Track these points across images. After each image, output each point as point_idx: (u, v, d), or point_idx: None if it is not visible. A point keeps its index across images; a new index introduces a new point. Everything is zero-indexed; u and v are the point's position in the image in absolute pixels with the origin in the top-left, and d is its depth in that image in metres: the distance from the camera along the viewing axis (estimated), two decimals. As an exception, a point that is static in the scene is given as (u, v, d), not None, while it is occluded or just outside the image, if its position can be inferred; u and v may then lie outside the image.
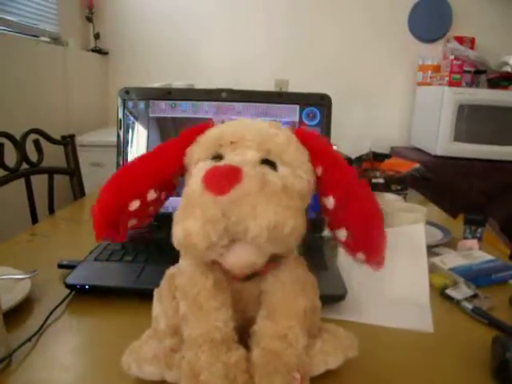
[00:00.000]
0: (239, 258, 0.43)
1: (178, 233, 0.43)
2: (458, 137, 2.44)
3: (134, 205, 0.49)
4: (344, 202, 0.48)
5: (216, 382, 0.43)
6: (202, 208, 0.42)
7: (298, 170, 0.47)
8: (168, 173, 0.50)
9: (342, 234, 0.48)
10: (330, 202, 0.48)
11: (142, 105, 0.94)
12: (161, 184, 0.50)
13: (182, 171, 0.52)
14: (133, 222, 0.51)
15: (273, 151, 0.47)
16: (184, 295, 0.48)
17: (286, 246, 0.44)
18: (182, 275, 0.50)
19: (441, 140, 2.45)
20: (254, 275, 0.48)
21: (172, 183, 0.52)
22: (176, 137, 0.53)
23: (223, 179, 0.42)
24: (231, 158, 0.46)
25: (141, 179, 0.50)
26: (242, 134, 0.48)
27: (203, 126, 0.52)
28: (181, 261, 0.51)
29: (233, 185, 0.41)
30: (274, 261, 0.48)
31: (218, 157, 0.47)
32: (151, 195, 0.50)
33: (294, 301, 0.48)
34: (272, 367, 0.45)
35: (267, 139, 0.47)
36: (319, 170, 0.49)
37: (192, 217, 0.42)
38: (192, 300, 0.47)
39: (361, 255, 0.48)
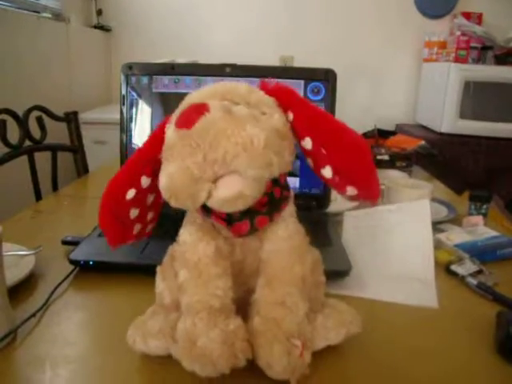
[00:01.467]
0: (226, 189, 0.43)
1: (162, 180, 0.44)
2: (464, 114, 2.41)
3: (130, 193, 0.50)
4: (321, 139, 0.47)
5: (214, 348, 0.42)
6: (178, 146, 0.43)
7: (267, 111, 0.46)
8: (153, 157, 0.49)
9: (328, 172, 0.48)
10: (307, 143, 0.48)
11: (145, 80, 0.92)
12: (152, 168, 0.50)
13: None
14: (135, 213, 0.52)
15: (236, 99, 0.46)
16: (184, 263, 0.48)
17: (268, 164, 0.42)
18: (182, 244, 0.49)
19: (446, 117, 2.43)
20: (253, 230, 0.48)
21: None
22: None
23: (191, 114, 0.43)
24: None
25: (132, 167, 0.51)
26: (207, 94, 0.47)
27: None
28: (181, 230, 0.51)
29: (200, 115, 0.42)
30: (271, 213, 0.48)
31: None
32: (144, 181, 0.50)
33: (291, 268, 0.48)
34: (271, 335, 0.45)
35: (228, 91, 0.47)
36: (290, 116, 0.48)
37: (171, 161, 0.43)
38: (192, 266, 0.47)
39: (351, 190, 0.47)
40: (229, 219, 0.47)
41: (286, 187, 0.51)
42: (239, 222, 0.47)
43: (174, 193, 0.43)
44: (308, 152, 0.49)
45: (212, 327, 0.43)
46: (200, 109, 0.43)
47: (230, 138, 0.41)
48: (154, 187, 0.50)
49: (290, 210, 0.51)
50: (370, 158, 0.47)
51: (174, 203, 0.44)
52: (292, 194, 0.52)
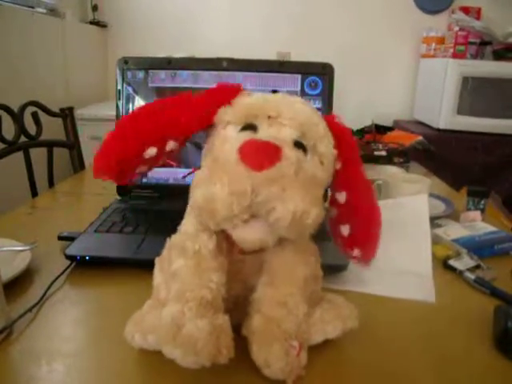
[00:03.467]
0: (253, 234, 0.43)
1: (201, 195, 0.42)
2: (462, 110, 2.41)
3: (150, 152, 0.47)
4: (354, 199, 0.50)
5: (200, 337, 0.41)
6: (234, 178, 0.41)
7: (325, 162, 0.47)
8: (193, 130, 0.48)
9: (346, 229, 0.51)
10: (342, 197, 0.51)
11: (141, 75, 0.92)
12: (182, 138, 0.49)
13: (206, 128, 0.50)
14: (141, 169, 0.49)
15: (308, 136, 0.46)
16: (182, 251, 0.47)
17: (303, 234, 0.44)
18: (183, 233, 0.49)
19: (444, 113, 2.42)
20: (257, 250, 0.48)
21: (190, 137, 0.50)
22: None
23: (262, 155, 0.41)
24: (266, 132, 0.45)
25: (163, 127, 0.48)
26: (282, 111, 0.46)
27: (233, 88, 0.50)
28: (184, 221, 0.50)
29: (272, 163, 0.40)
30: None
31: (251, 127, 0.46)
32: (170, 146, 0.48)
33: (294, 268, 0.48)
34: (270, 335, 0.45)
35: (307, 123, 0.46)
36: (338, 165, 0.49)
37: (219, 183, 0.41)
38: (191, 255, 0.46)
39: (357, 252, 0.51)
40: None
41: None
42: None
43: (204, 212, 0.43)
44: (338, 204, 0.52)
45: (200, 317, 0.42)
46: (273, 154, 0.41)
47: (284, 202, 0.40)
48: (172, 153, 0.49)
49: None
50: (380, 233, 0.53)
51: (198, 218, 0.45)
52: None
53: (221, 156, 0.44)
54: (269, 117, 0.46)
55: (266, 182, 0.40)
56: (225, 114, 0.48)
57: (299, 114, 0.47)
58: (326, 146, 0.47)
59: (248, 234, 0.43)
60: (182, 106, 0.49)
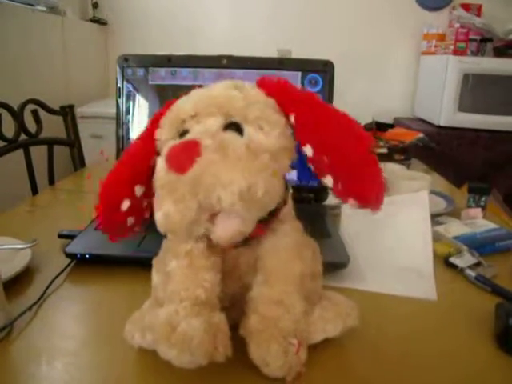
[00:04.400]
0: (225, 230, 0.43)
1: (159, 218, 0.44)
2: (463, 107, 2.40)
3: (125, 204, 0.49)
4: (323, 147, 0.45)
5: (194, 335, 0.41)
6: (170, 189, 0.42)
7: (265, 126, 0.45)
8: (146, 164, 0.49)
9: (328, 181, 0.46)
10: (308, 150, 0.46)
11: (141, 72, 0.92)
12: (144, 177, 0.49)
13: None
14: (132, 221, 0.51)
15: (233, 113, 0.45)
16: (175, 253, 0.47)
17: (265, 207, 0.43)
18: None
19: (445, 110, 2.42)
20: (248, 240, 0.47)
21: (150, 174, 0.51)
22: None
23: (182, 156, 0.41)
24: (196, 131, 0.45)
25: (124, 178, 0.50)
26: (199, 105, 0.46)
27: (167, 106, 0.50)
28: None
29: (192, 160, 0.41)
30: (267, 222, 0.47)
31: (185, 132, 0.46)
32: (138, 190, 0.49)
33: (289, 266, 0.48)
34: (268, 334, 0.45)
35: (224, 104, 0.46)
36: (292, 118, 0.46)
37: (165, 199, 0.42)
38: (183, 256, 0.46)
39: (352, 201, 0.45)
40: None
41: (285, 189, 0.49)
42: None
43: (171, 231, 0.44)
44: (309, 158, 0.47)
45: (195, 316, 0.43)
46: (191, 151, 0.41)
47: (225, 187, 0.40)
48: (148, 193, 0.49)
49: (288, 208, 0.51)
50: (372, 164, 0.45)
51: (171, 237, 0.46)
52: (290, 191, 0.51)
53: (157, 172, 0.45)
54: (192, 116, 0.46)
55: (196, 179, 0.40)
56: (160, 135, 0.49)
57: (214, 99, 0.46)
58: (253, 111, 0.45)
59: (220, 233, 0.43)
60: (134, 148, 0.51)
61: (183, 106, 0.48)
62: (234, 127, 0.44)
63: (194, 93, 0.49)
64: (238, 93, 0.46)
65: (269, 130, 0.44)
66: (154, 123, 0.50)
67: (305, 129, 0.46)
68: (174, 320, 0.42)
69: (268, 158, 0.43)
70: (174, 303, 0.44)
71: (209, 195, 0.40)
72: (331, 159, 0.44)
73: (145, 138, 0.51)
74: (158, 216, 0.44)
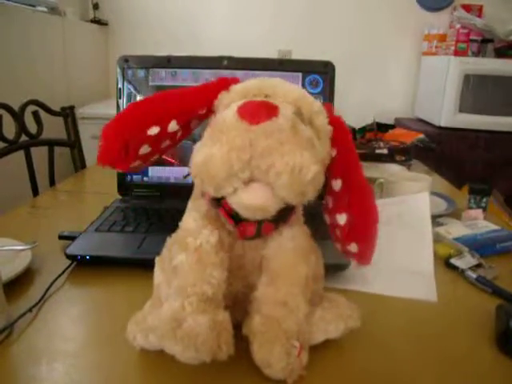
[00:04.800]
0: (254, 197, 0.42)
1: (199, 157, 0.42)
2: (463, 108, 2.41)
3: (154, 130, 0.47)
4: (350, 187, 0.49)
5: (200, 332, 0.41)
6: (232, 134, 0.41)
7: (322, 137, 0.46)
8: (195, 110, 0.49)
9: (343, 219, 0.49)
10: (337, 184, 0.49)
11: (141, 73, 0.92)
12: (184, 119, 0.49)
13: (206, 115, 0.50)
14: (145, 150, 0.49)
15: (304, 111, 0.45)
16: (184, 246, 0.46)
17: (303, 194, 0.42)
18: (184, 229, 0.48)
19: (445, 111, 2.42)
20: (257, 235, 0.47)
21: (190, 126, 0.52)
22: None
23: (260, 110, 0.41)
24: None
25: (166, 108, 0.49)
26: (278, 90, 0.46)
27: (232, 78, 0.50)
28: (184, 216, 0.50)
29: (269, 117, 0.41)
30: (278, 222, 0.47)
31: None
32: (172, 126, 0.48)
33: (295, 268, 0.48)
34: (271, 334, 0.45)
35: (302, 98, 0.46)
36: (334, 152, 0.48)
37: (219, 143, 0.41)
38: (192, 250, 0.45)
39: (353, 246, 0.50)
40: (236, 218, 0.46)
41: None
42: (246, 223, 0.46)
43: (204, 173, 0.42)
44: (333, 192, 0.50)
45: (201, 312, 0.42)
46: (271, 110, 0.41)
47: (283, 156, 0.40)
48: (175, 136, 0.49)
49: (297, 212, 0.51)
50: (377, 230, 0.50)
51: (197, 181, 0.43)
52: None
53: (220, 120, 0.44)
54: (265, 95, 0.46)
55: (264, 134, 0.40)
56: (224, 98, 0.48)
57: (294, 92, 0.47)
58: (321, 120, 0.46)
59: (249, 198, 0.42)
60: (184, 91, 0.50)
61: (263, 83, 0.48)
62: (300, 118, 0.45)
63: (277, 79, 0.49)
64: (313, 99, 0.48)
65: (324, 141, 0.46)
66: (212, 86, 0.50)
67: (343, 165, 0.49)
68: (180, 315, 0.42)
69: (323, 156, 0.45)
70: (181, 298, 0.44)
71: (265, 156, 0.40)
72: (354, 200, 0.49)
73: (204, 90, 0.50)
74: (199, 155, 0.42)
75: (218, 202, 0.46)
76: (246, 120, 0.41)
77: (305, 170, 0.40)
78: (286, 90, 0.47)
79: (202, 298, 0.44)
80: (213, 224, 0.47)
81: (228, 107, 0.45)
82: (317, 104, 0.47)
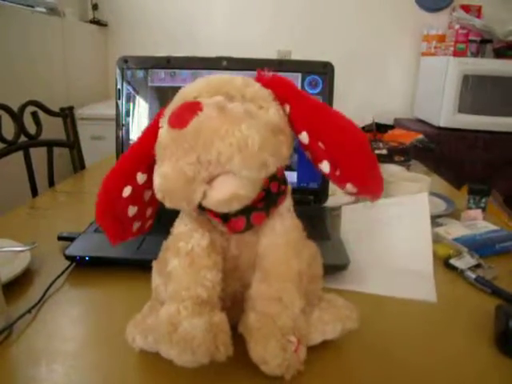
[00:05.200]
0: (221, 190, 0.42)
1: (156, 180, 0.43)
2: (462, 108, 2.40)
3: (127, 191, 0.49)
4: (318, 133, 0.46)
5: (196, 335, 0.41)
6: (171, 147, 0.42)
7: (263, 105, 0.45)
8: (148, 153, 0.48)
9: (325, 167, 0.47)
10: (304, 137, 0.47)
11: (140, 74, 0.92)
12: (146, 165, 0.49)
13: None
14: (133, 211, 0.51)
15: (233, 93, 0.45)
16: (176, 251, 0.47)
17: (263, 164, 0.41)
18: (176, 234, 0.49)
19: (444, 111, 2.42)
20: (249, 226, 0.47)
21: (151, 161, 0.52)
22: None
23: (183, 112, 0.42)
24: None
25: (127, 164, 0.50)
26: (202, 87, 0.46)
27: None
28: (176, 222, 0.50)
29: (193, 115, 0.41)
30: (267, 209, 0.47)
31: None
32: (140, 178, 0.49)
33: (288, 263, 0.48)
34: (267, 331, 0.45)
35: (224, 84, 0.46)
36: (287, 109, 0.47)
37: (165, 160, 0.42)
38: (184, 255, 0.46)
39: (350, 186, 0.46)
40: (224, 215, 0.47)
41: (284, 181, 0.50)
42: (234, 219, 0.47)
43: (168, 194, 0.43)
44: (305, 146, 0.47)
45: (196, 315, 0.43)
46: (193, 108, 0.42)
47: (223, 139, 0.40)
48: (150, 183, 0.49)
49: (287, 204, 0.50)
50: (370, 154, 0.46)
51: (168, 204, 0.44)
52: (289, 187, 0.51)
53: (159, 138, 0.45)
54: (194, 97, 0.45)
55: (196, 131, 0.40)
56: (163, 122, 0.48)
57: (214, 82, 0.47)
58: (251, 91, 0.46)
59: (218, 193, 0.42)
60: (140, 137, 0.51)
61: (185, 89, 0.48)
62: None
63: (196, 80, 0.49)
64: (234, 77, 0.47)
65: (267, 108, 0.45)
66: (158, 116, 0.50)
67: (300, 117, 0.47)
68: (175, 319, 0.43)
69: (265, 123, 0.43)
70: (176, 302, 0.44)
71: (208, 149, 0.40)
72: (327, 144, 0.46)
73: (149, 129, 0.50)
74: (156, 179, 0.43)
75: (203, 208, 0.46)
76: (175, 127, 0.41)
77: (250, 141, 0.40)
78: (208, 84, 0.47)
79: (196, 301, 0.44)
80: (204, 227, 0.48)
81: None
82: (238, 81, 0.46)
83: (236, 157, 0.40)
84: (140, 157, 0.49)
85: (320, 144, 0.46)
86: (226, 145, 0.39)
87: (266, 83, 0.48)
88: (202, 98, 0.45)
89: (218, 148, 0.40)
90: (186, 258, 0.46)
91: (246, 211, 0.46)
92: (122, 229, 0.52)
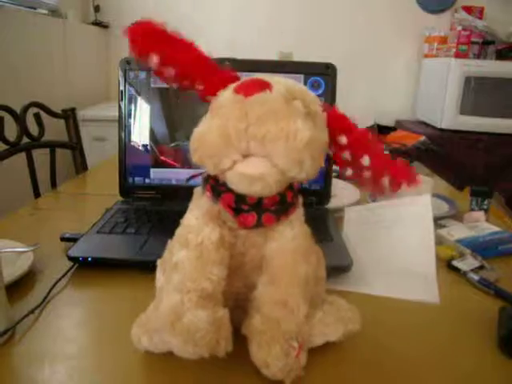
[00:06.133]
0: (251, 167, 0.43)
1: (198, 130, 0.44)
2: (464, 110, 2.40)
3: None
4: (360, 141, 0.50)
5: (199, 327, 0.41)
6: (228, 107, 0.42)
7: (318, 123, 0.46)
8: (196, 79, 0.49)
9: (366, 160, 0.49)
10: (343, 139, 0.49)
11: (143, 75, 0.92)
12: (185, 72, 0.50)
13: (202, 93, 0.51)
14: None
15: (298, 96, 0.45)
16: (185, 243, 0.46)
17: (300, 162, 0.42)
18: (186, 226, 0.48)
19: (446, 113, 2.42)
20: (258, 225, 0.47)
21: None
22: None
23: (254, 84, 0.43)
24: None
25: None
26: (278, 80, 0.46)
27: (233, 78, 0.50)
28: (186, 215, 0.50)
29: (262, 89, 0.42)
30: (279, 214, 0.47)
31: None
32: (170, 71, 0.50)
33: (295, 268, 0.47)
34: (270, 335, 0.45)
35: (296, 89, 0.46)
36: (343, 139, 0.49)
37: (217, 116, 0.43)
38: (193, 247, 0.46)
39: (386, 180, 0.49)
40: (237, 208, 0.46)
41: (297, 194, 0.50)
42: (246, 213, 0.46)
43: (202, 145, 0.43)
44: (343, 147, 0.49)
45: (200, 308, 0.43)
46: (263, 84, 0.43)
47: (278, 122, 0.41)
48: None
49: (297, 214, 0.50)
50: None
51: (196, 157, 0.44)
52: (301, 200, 0.51)
53: (218, 99, 0.45)
54: None
55: (258, 104, 0.41)
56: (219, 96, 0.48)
57: (288, 82, 0.47)
58: (316, 107, 0.46)
59: (246, 168, 0.43)
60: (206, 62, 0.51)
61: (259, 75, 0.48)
62: None
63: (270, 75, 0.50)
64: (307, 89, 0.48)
65: (320, 126, 0.46)
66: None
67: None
68: (179, 310, 0.43)
69: (320, 130, 0.45)
70: (180, 293, 0.44)
71: (260, 124, 0.41)
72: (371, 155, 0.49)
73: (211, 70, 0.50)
74: (199, 129, 0.44)
75: (218, 195, 0.47)
76: (241, 93, 0.42)
77: (299, 135, 0.41)
78: (281, 80, 0.47)
79: (201, 294, 0.44)
80: (214, 221, 0.47)
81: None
82: (311, 93, 0.47)
83: (280, 142, 0.40)
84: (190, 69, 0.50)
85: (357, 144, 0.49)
86: (278, 128, 0.40)
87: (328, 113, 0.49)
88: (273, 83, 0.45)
89: (270, 127, 0.40)
90: (194, 251, 0.46)
91: (259, 209, 0.46)
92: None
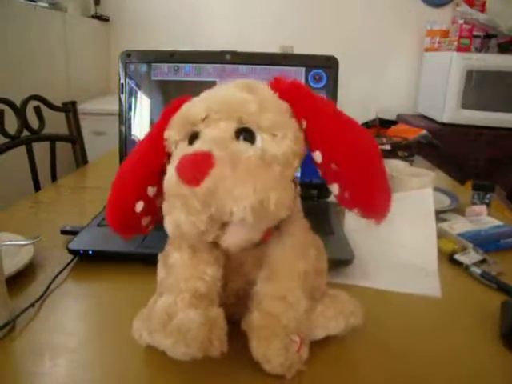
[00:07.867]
0: (235, 238, 0.43)
1: (169, 225, 0.43)
2: (466, 104, 2.39)
3: (139, 206, 0.48)
4: (331, 156, 0.44)
5: (190, 327, 0.41)
6: (181, 200, 0.41)
7: (278, 133, 0.43)
8: (157, 165, 0.48)
9: (335, 189, 0.45)
10: (317, 156, 0.45)
11: (143, 68, 0.91)
12: (155, 178, 0.48)
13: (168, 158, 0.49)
14: (147, 221, 0.51)
15: (246, 119, 0.43)
16: (178, 246, 0.47)
17: (276, 218, 0.42)
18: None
19: (448, 107, 2.41)
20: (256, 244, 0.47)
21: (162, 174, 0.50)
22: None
23: (195, 168, 0.40)
24: (206, 135, 0.43)
25: (135, 180, 0.49)
26: (211, 107, 0.44)
27: (177, 104, 0.49)
28: None
29: (205, 173, 0.39)
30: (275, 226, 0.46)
31: (194, 136, 0.44)
32: (151, 191, 0.48)
33: (294, 262, 0.47)
34: (270, 330, 0.45)
35: (236, 108, 0.44)
36: (304, 124, 0.45)
37: (176, 208, 0.41)
38: (186, 248, 0.46)
39: (357, 211, 0.45)
40: None
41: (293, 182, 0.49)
42: None
43: (181, 237, 0.44)
44: (317, 164, 0.46)
45: (192, 308, 0.43)
46: (204, 164, 0.39)
47: (237, 202, 0.38)
48: (161, 190, 0.47)
49: (296, 205, 0.50)
50: (384, 180, 0.45)
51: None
52: (299, 188, 0.49)
53: (167, 180, 0.44)
54: (203, 119, 0.44)
55: (209, 192, 0.39)
56: (169, 135, 0.47)
57: (226, 102, 0.45)
58: (267, 119, 0.43)
59: (230, 241, 0.43)
60: (144, 147, 0.50)
61: (194, 107, 0.46)
62: (247, 134, 0.43)
63: (205, 94, 0.47)
64: (251, 96, 0.45)
65: (282, 137, 0.43)
66: (163, 121, 0.48)
67: (315, 135, 0.45)
68: (171, 310, 0.43)
69: (280, 170, 0.42)
70: (173, 294, 0.44)
71: (221, 209, 0.39)
72: (340, 168, 0.44)
73: (154, 136, 0.49)
74: (168, 222, 0.43)
75: None
76: (186, 184, 0.40)
77: (265, 203, 0.39)
78: (218, 104, 0.44)
79: (194, 294, 0.44)
80: None
81: (178, 146, 0.46)
82: (253, 104, 0.44)
83: (249, 218, 0.39)
84: (147, 169, 0.48)
85: (333, 165, 0.44)
86: (240, 208, 0.39)
87: (282, 94, 0.46)
88: (211, 120, 0.44)
89: (232, 210, 0.39)
90: (187, 252, 0.46)
91: None
92: (135, 232, 0.52)
